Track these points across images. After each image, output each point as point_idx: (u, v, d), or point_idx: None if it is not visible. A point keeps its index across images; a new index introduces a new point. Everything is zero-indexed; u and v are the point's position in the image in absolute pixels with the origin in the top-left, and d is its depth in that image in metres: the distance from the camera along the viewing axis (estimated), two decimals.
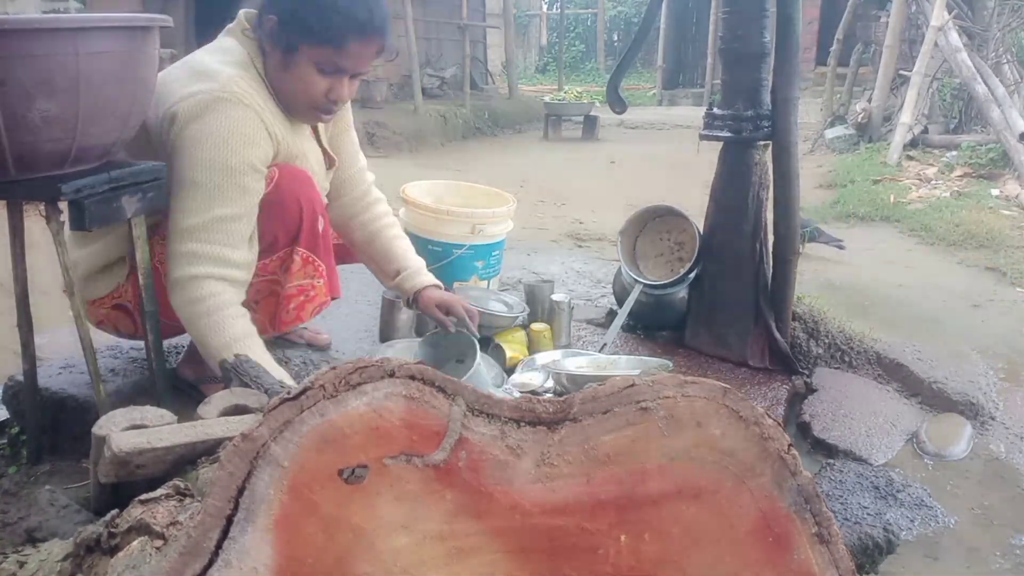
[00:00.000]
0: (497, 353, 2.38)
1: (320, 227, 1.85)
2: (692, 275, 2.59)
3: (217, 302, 1.68)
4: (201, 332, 1.68)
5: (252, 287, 1.80)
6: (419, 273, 2.12)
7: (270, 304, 1.85)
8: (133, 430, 1.29)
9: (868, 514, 1.83)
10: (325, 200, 1.96)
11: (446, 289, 2.21)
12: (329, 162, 2.00)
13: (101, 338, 1.97)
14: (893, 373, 2.55)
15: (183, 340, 2.15)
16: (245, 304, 1.76)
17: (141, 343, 1.96)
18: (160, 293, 1.76)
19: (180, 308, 1.70)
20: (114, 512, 1.05)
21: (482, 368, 1.98)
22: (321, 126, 1.97)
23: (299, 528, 0.78)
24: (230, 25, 1.84)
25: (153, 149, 1.73)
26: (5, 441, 1.84)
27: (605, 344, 2.51)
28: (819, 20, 12.42)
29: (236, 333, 1.68)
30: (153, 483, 1.12)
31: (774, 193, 2.43)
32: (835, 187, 6.20)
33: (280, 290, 1.84)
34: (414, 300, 2.12)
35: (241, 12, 1.82)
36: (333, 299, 1.94)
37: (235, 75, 1.71)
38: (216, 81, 1.68)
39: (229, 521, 0.76)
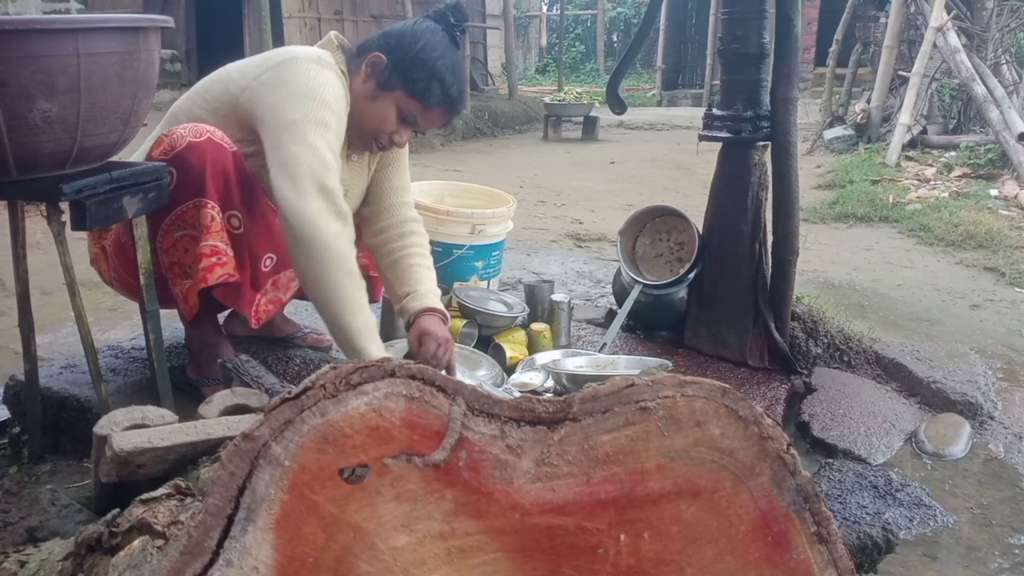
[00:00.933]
0: (497, 353, 2.38)
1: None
2: (692, 275, 2.60)
3: (351, 254, 1.70)
4: (328, 272, 1.66)
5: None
6: (424, 296, 2.00)
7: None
8: (134, 430, 1.29)
9: (867, 513, 1.83)
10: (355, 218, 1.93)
11: (445, 290, 2.17)
12: (362, 197, 2.07)
13: (102, 338, 1.98)
14: (892, 373, 2.56)
15: (183, 340, 2.15)
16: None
17: (142, 342, 1.96)
18: (160, 288, 1.76)
19: (337, 236, 1.67)
20: (115, 511, 1.05)
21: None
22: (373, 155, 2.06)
23: (300, 527, 0.78)
24: (321, 41, 1.95)
25: (238, 117, 1.79)
26: (6, 441, 1.84)
27: (605, 344, 2.51)
28: (818, 21, 12.43)
29: (359, 295, 1.71)
30: (154, 482, 1.12)
31: (773, 193, 2.43)
32: (834, 187, 6.21)
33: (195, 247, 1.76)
34: (410, 323, 2.00)
35: (332, 34, 1.95)
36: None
37: (330, 59, 1.86)
38: (313, 54, 1.82)
39: (230, 520, 0.77)
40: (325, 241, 1.64)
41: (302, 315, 2.51)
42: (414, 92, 1.85)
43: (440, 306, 2.00)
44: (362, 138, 1.92)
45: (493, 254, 2.85)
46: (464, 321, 2.49)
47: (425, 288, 2.02)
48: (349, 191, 1.92)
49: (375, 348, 1.70)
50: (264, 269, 1.88)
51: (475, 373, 2.26)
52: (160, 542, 0.98)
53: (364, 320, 1.70)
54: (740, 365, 2.50)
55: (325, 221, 1.64)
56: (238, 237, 1.78)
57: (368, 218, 2.09)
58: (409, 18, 2.05)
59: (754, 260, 2.47)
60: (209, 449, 1.27)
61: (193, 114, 1.85)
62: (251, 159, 1.81)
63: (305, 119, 1.70)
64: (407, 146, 2.06)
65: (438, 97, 1.86)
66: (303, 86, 1.74)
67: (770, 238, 2.47)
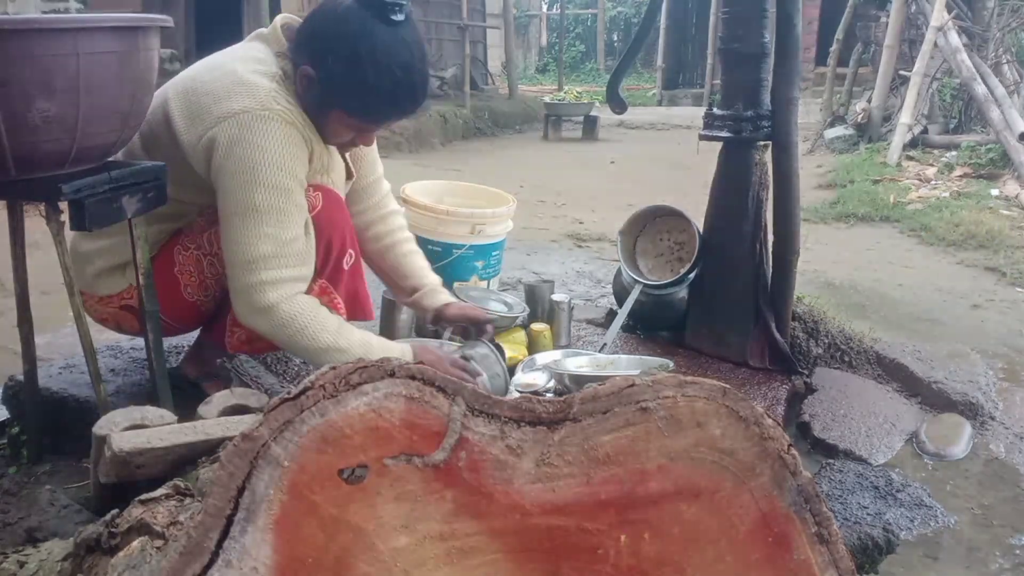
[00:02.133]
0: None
1: (347, 263, 1.83)
2: (692, 275, 2.59)
3: (306, 317, 1.67)
4: (307, 341, 1.66)
5: None
6: (437, 292, 2.09)
7: None
8: (133, 430, 1.29)
9: (868, 514, 1.83)
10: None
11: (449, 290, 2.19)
12: (348, 174, 2.00)
13: (101, 338, 1.97)
14: (893, 373, 2.55)
15: (183, 340, 2.15)
16: None
17: (141, 342, 1.96)
18: (162, 295, 1.76)
19: (275, 332, 1.66)
20: (114, 512, 1.05)
21: (491, 356, 1.98)
22: None
23: (299, 528, 0.78)
24: (262, 31, 1.78)
25: (187, 164, 1.68)
26: (5, 441, 1.83)
27: (605, 344, 2.51)
28: (819, 20, 12.42)
29: (333, 332, 1.68)
30: (153, 483, 1.12)
31: (774, 193, 2.43)
32: (835, 187, 6.21)
33: None
34: (435, 318, 2.08)
35: (277, 20, 1.76)
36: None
37: (272, 89, 1.65)
38: (254, 97, 1.62)
39: (229, 521, 0.76)
40: (281, 333, 1.66)
41: None
42: (354, 113, 1.69)
43: (451, 296, 2.12)
44: (326, 142, 1.80)
45: (493, 254, 2.85)
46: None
47: (431, 283, 2.11)
48: (333, 170, 1.87)
49: (390, 345, 1.75)
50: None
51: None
52: (159, 542, 0.97)
53: (360, 339, 1.72)
54: (741, 365, 2.50)
55: (267, 318, 1.64)
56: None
57: (348, 200, 2.05)
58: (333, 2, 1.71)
59: (755, 260, 2.47)
60: (208, 449, 1.27)
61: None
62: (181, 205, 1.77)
63: (244, 209, 1.62)
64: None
65: (384, 111, 1.70)
66: (243, 169, 1.61)
67: (771, 238, 2.47)
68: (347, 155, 1.97)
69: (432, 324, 2.12)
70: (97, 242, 1.80)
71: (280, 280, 1.65)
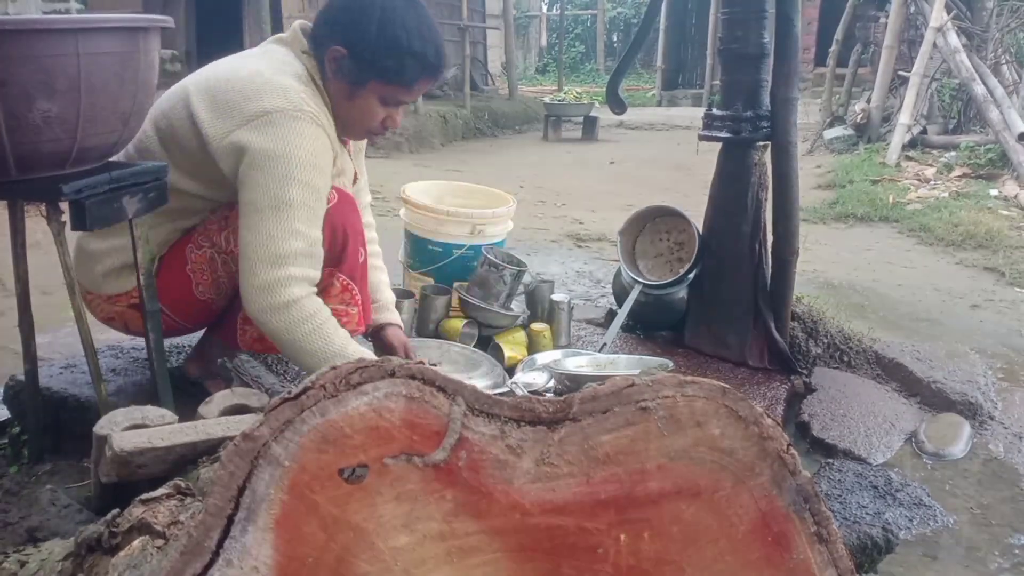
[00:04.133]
0: (496, 353, 2.38)
1: (361, 257, 1.84)
2: (692, 275, 2.60)
3: (324, 316, 1.67)
4: (320, 343, 1.65)
5: None
6: (386, 310, 2.10)
7: None
8: (134, 430, 1.29)
9: (867, 513, 1.83)
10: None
11: (444, 287, 2.19)
12: (354, 178, 2.02)
13: (102, 338, 1.97)
14: (892, 373, 2.56)
15: (184, 340, 2.15)
16: None
17: (142, 342, 1.96)
18: (163, 293, 1.76)
19: (290, 329, 1.65)
20: (115, 511, 1.05)
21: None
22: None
23: (300, 527, 0.78)
24: (281, 35, 1.82)
25: (209, 160, 1.68)
26: (6, 441, 1.83)
27: (605, 344, 2.51)
28: (818, 21, 12.43)
29: (343, 338, 1.68)
30: (154, 483, 1.12)
31: (773, 193, 2.43)
32: (834, 187, 6.21)
33: None
34: (373, 333, 2.09)
35: (296, 24, 1.80)
36: (366, 330, 1.94)
37: (301, 90, 1.67)
38: (286, 98, 1.64)
39: (230, 520, 0.77)
40: (297, 330, 1.64)
41: None
42: (390, 80, 1.72)
43: (400, 320, 2.12)
44: (355, 134, 1.86)
45: None
46: (464, 321, 2.49)
47: (385, 298, 2.11)
48: (345, 175, 1.89)
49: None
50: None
51: (473, 373, 2.26)
52: (160, 542, 0.98)
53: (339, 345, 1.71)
54: (740, 365, 2.50)
55: (285, 314, 1.63)
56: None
57: None
58: None
59: (754, 260, 2.47)
60: (209, 449, 1.27)
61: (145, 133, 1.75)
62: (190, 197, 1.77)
63: (278, 203, 1.62)
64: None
65: (417, 72, 1.73)
66: (278, 164, 1.63)
67: (770, 238, 2.47)
68: (352, 158, 1.98)
69: (365, 337, 2.13)
70: (106, 241, 1.80)
71: (305, 278, 1.66)
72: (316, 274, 1.68)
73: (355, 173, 2.00)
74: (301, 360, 1.69)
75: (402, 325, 2.15)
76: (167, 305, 1.80)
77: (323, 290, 1.79)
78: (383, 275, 2.15)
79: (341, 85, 1.73)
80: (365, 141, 2.06)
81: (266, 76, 1.68)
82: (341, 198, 1.78)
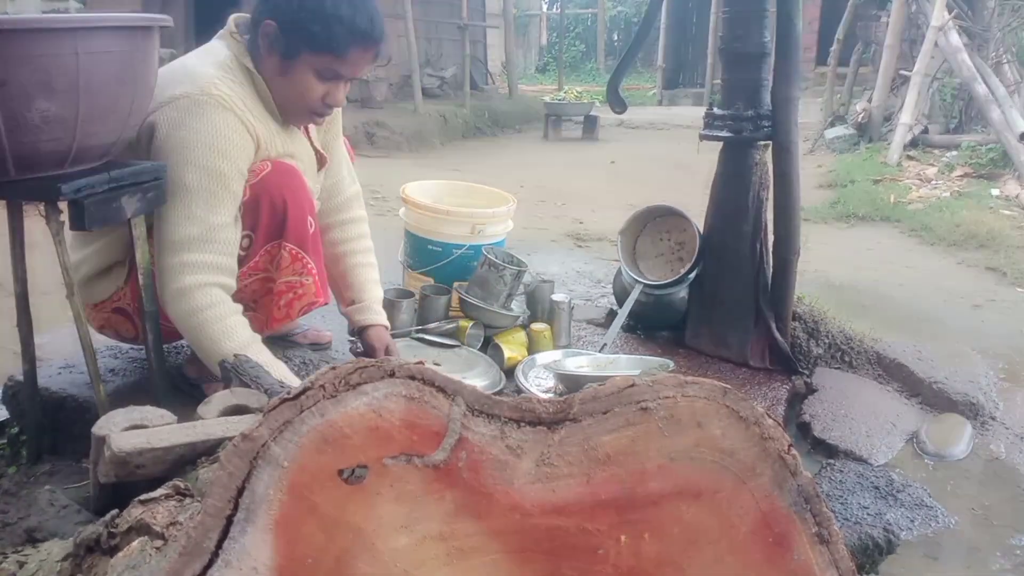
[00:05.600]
0: (496, 353, 2.38)
1: (310, 227, 1.82)
2: (692, 275, 2.59)
3: (225, 309, 1.68)
4: (210, 339, 1.66)
5: (247, 288, 1.80)
6: (370, 309, 2.10)
7: (267, 302, 1.85)
8: (133, 430, 1.29)
9: (868, 514, 1.83)
10: (317, 203, 1.93)
11: (444, 286, 2.18)
12: (321, 162, 1.99)
13: (101, 338, 1.97)
14: (893, 373, 2.55)
15: (183, 341, 2.15)
16: (244, 305, 1.77)
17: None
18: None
19: (184, 317, 1.68)
20: (114, 512, 1.05)
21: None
22: (313, 127, 1.96)
23: (299, 528, 0.78)
24: (222, 30, 1.83)
25: (136, 154, 1.70)
26: (5, 441, 1.83)
27: (605, 344, 2.50)
28: (819, 20, 12.42)
29: (245, 338, 1.68)
30: (153, 483, 1.12)
31: (774, 193, 2.43)
32: (835, 187, 6.21)
33: (272, 286, 1.83)
34: (359, 332, 2.11)
35: (232, 16, 1.82)
36: (326, 300, 1.92)
37: (215, 75, 1.70)
38: (194, 84, 1.67)
39: (229, 521, 0.76)
40: (186, 322, 1.68)
41: None
42: (318, 47, 1.69)
43: (384, 320, 2.11)
44: (297, 115, 1.83)
45: None
46: (471, 323, 2.48)
47: (371, 297, 2.10)
48: (296, 158, 1.87)
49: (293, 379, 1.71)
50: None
51: (468, 374, 2.26)
52: (159, 543, 0.97)
53: (268, 360, 1.71)
54: (741, 365, 2.50)
55: (179, 303, 1.66)
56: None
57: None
58: None
59: (755, 260, 2.47)
60: (208, 450, 1.26)
61: None
62: None
63: (174, 188, 1.65)
64: (339, 111, 1.97)
65: (346, 38, 1.69)
66: (176, 149, 1.66)
67: (771, 238, 2.47)
68: (317, 142, 1.96)
69: (349, 335, 2.15)
70: (77, 252, 1.81)
71: (201, 264, 1.65)
72: (219, 259, 1.68)
73: (321, 157, 1.98)
74: (198, 351, 1.71)
75: (388, 325, 2.14)
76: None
77: (276, 265, 1.78)
78: (372, 272, 2.14)
79: (274, 60, 1.73)
80: (340, 125, 2.05)
81: (188, 67, 1.73)
82: (276, 168, 1.76)
